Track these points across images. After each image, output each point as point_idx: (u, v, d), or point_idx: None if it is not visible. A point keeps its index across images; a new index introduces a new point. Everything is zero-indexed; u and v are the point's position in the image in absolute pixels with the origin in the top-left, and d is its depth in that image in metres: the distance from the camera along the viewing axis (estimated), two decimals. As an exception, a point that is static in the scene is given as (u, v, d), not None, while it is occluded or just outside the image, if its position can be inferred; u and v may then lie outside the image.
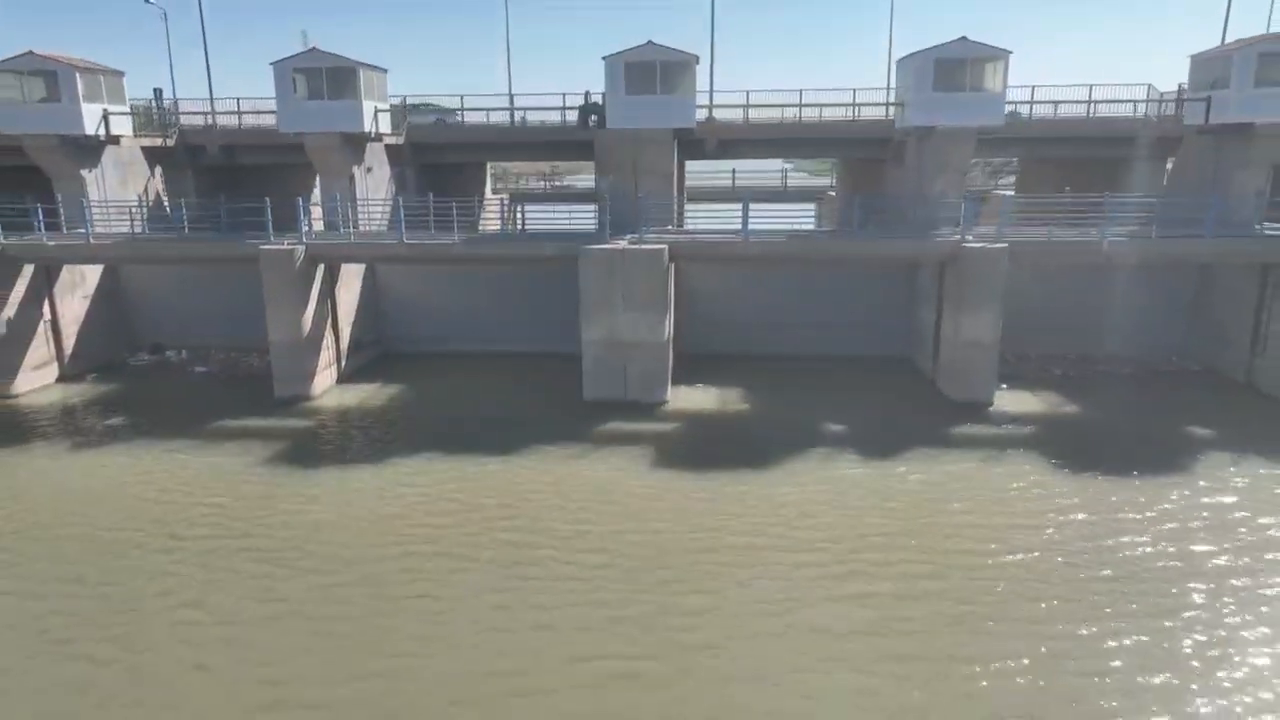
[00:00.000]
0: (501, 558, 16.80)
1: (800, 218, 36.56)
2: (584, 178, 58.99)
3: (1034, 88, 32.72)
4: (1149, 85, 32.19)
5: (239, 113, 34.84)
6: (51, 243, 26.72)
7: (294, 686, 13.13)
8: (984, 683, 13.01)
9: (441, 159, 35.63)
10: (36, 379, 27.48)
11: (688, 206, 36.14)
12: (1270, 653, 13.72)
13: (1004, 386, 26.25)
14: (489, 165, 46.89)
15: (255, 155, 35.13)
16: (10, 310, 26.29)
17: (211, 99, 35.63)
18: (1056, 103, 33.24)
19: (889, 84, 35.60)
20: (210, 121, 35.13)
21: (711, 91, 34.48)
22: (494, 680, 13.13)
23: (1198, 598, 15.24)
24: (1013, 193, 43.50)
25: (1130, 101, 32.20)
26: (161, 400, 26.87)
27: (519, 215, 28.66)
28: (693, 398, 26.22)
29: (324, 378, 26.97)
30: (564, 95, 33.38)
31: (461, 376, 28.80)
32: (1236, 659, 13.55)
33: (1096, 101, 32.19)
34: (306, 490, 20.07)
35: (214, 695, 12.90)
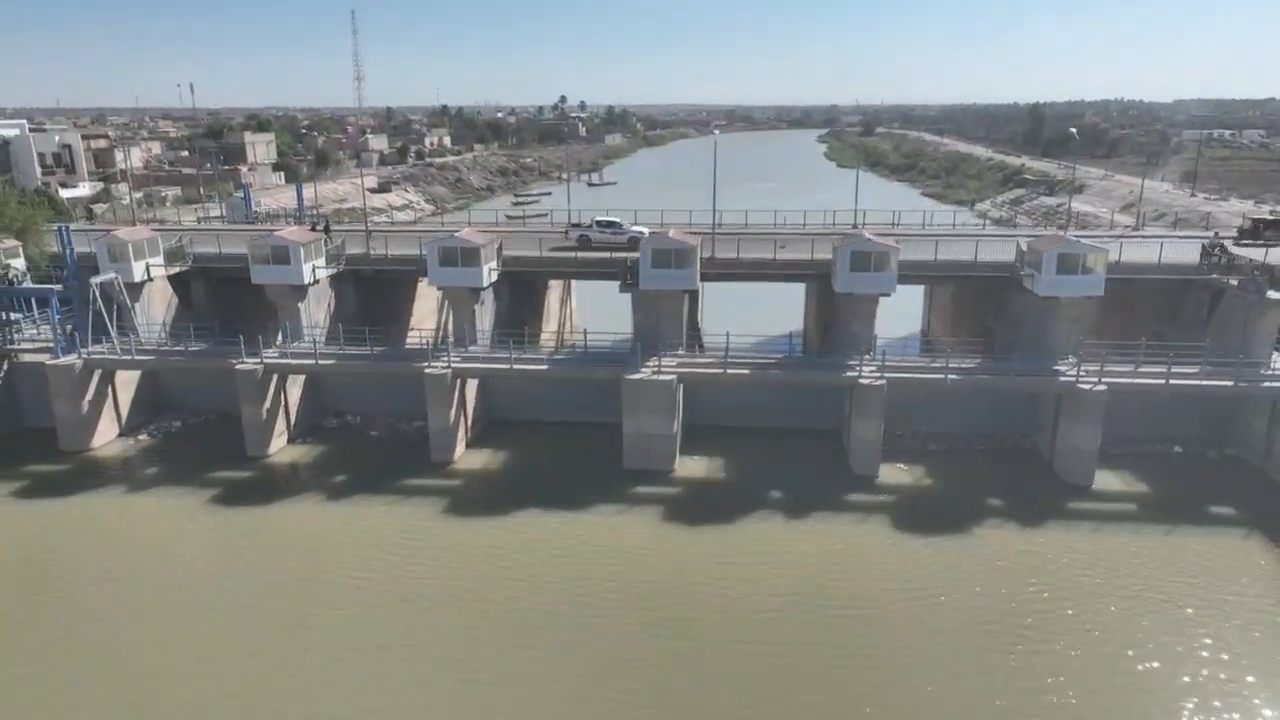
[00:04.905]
0: (582, 600, 32.33)
1: (786, 319, 50.36)
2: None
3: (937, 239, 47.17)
4: (1018, 242, 46.34)
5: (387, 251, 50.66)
6: (293, 360, 42.74)
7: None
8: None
9: (524, 278, 51.00)
10: (279, 443, 43.64)
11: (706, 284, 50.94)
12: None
13: (903, 466, 40.97)
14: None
15: (393, 271, 50.93)
16: (268, 403, 42.29)
17: (368, 234, 51.25)
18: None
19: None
20: (368, 250, 50.86)
21: (714, 239, 49.06)
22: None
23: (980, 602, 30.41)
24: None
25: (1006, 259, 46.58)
26: (353, 460, 42.68)
27: (581, 330, 43.35)
28: (691, 467, 41.56)
29: (460, 447, 42.68)
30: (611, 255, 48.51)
31: (542, 442, 44.18)
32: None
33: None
34: (454, 539, 35.70)
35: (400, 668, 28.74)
